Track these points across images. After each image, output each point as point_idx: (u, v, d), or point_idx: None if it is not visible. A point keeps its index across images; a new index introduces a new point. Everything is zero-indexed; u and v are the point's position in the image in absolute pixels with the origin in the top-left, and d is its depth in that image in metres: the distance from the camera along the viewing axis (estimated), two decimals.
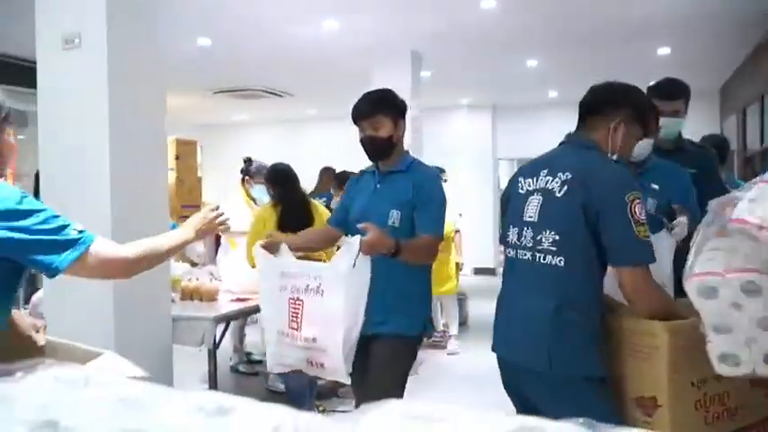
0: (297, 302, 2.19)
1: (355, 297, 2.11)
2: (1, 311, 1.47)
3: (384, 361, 2.31)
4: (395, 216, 2.34)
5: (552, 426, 0.48)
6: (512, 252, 1.88)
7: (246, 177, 4.52)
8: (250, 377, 4.85)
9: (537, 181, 1.83)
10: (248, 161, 4.56)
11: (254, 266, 3.60)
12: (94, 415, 0.56)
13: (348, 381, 2.18)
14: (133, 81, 2.88)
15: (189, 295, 3.67)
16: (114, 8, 2.78)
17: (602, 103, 1.85)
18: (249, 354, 5.04)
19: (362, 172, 2.64)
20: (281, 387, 4.11)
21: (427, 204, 2.34)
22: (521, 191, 1.88)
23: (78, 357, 1.43)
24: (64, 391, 0.61)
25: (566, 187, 1.74)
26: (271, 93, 9.43)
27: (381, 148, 2.41)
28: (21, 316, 1.70)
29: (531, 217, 1.80)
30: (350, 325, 2.11)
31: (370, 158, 2.50)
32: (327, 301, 2.12)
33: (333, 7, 5.58)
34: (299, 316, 2.18)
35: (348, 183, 2.75)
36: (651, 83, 2.67)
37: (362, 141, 2.43)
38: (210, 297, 3.70)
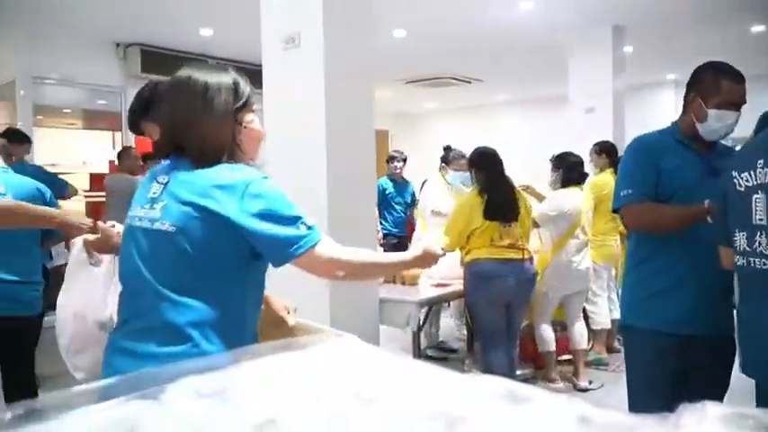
0: None
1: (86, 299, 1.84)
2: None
3: None
4: None
5: None
6: (742, 260, 1.63)
7: (443, 165, 4.60)
8: (440, 362, 4.92)
9: (755, 175, 1.58)
10: (448, 149, 4.63)
11: (452, 251, 3.65)
12: (400, 395, 0.58)
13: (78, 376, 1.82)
14: (347, 76, 3.03)
15: (392, 278, 3.83)
16: (330, 7, 2.95)
17: None
18: (441, 342, 5.11)
19: None
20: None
21: None
22: (739, 188, 1.63)
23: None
24: (366, 368, 0.64)
25: None
26: (461, 80, 9.46)
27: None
28: (274, 297, 1.75)
29: (761, 219, 1.57)
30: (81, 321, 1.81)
31: None
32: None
33: None
34: None
35: None
36: None
37: None
38: (412, 281, 3.83)
